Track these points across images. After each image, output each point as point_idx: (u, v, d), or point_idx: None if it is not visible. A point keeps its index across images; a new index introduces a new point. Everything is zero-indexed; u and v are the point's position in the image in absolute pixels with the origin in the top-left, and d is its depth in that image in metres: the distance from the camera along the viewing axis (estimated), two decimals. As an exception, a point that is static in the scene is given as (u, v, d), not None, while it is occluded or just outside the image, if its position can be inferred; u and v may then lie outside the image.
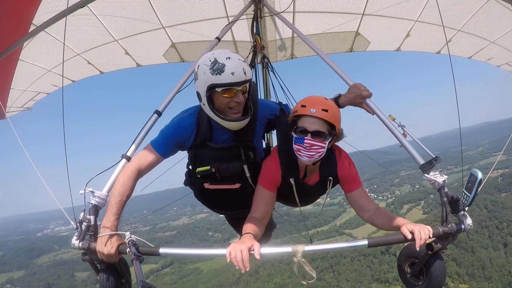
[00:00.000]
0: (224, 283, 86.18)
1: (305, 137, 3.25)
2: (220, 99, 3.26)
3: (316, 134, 3.26)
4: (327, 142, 3.33)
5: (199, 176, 3.77)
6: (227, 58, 3.13)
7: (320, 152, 3.32)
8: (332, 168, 3.67)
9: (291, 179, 3.59)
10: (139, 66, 7.85)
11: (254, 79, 5.93)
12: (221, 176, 3.76)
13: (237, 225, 4.96)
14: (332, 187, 3.80)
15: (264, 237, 5.15)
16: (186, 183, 4.09)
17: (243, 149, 3.69)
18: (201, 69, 3.19)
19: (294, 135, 3.32)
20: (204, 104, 3.35)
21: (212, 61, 3.12)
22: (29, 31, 5.36)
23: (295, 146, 3.33)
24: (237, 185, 3.85)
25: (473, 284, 77.11)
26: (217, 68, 3.09)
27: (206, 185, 3.86)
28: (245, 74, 3.19)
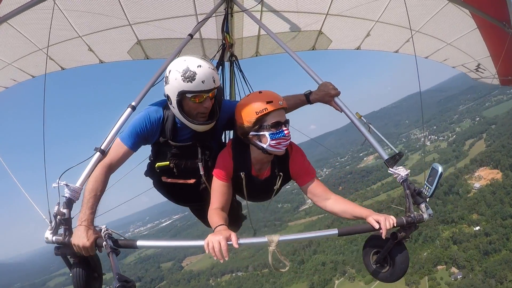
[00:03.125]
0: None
1: (284, 129, 3.46)
2: (190, 104, 3.46)
3: (287, 123, 3.55)
4: None
5: (158, 170, 3.96)
6: (198, 66, 3.31)
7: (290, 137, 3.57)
8: (284, 163, 3.82)
9: (241, 173, 3.73)
10: (102, 62, 7.71)
11: (221, 77, 6.02)
12: (178, 172, 3.95)
13: (200, 216, 5.11)
14: (284, 183, 3.99)
15: (234, 228, 5.34)
16: (146, 173, 4.26)
17: (201, 148, 3.88)
18: (173, 74, 3.35)
19: (269, 132, 3.44)
20: (174, 107, 3.50)
21: (184, 68, 3.30)
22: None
23: (272, 142, 3.46)
24: (192, 181, 4.04)
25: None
26: (188, 76, 3.27)
27: (164, 179, 4.05)
28: (214, 82, 3.42)
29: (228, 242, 2.93)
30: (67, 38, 6.60)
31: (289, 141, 3.56)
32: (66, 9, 5.75)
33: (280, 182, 3.89)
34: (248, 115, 3.47)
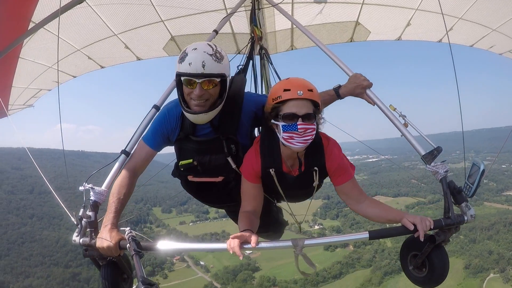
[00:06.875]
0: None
1: (298, 123, 3.07)
2: (184, 89, 3.23)
3: (307, 117, 3.12)
4: (315, 123, 3.19)
5: (182, 169, 3.74)
6: (193, 49, 3.10)
7: (313, 134, 3.16)
8: (319, 158, 3.46)
9: (271, 170, 3.42)
10: (139, 60, 7.87)
11: (251, 71, 5.91)
12: (203, 169, 3.71)
13: (235, 218, 4.89)
14: (320, 180, 3.60)
15: (276, 234, 5.17)
16: (173, 174, 4.01)
17: (226, 141, 3.59)
18: None
19: (282, 123, 3.14)
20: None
21: (184, 50, 3.15)
22: (28, 28, 5.37)
23: (284, 135, 3.14)
24: (220, 178, 3.78)
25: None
26: (181, 56, 3.11)
27: (190, 178, 3.82)
28: (203, 68, 3.07)
29: (247, 245, 2.85)
30: (103, 37, 6.80)
31: (304, 138, 3.12)
32: (99, 9, 5.93)
33: (317, 177, 3.49)
34: (268, 101, 3.26)
